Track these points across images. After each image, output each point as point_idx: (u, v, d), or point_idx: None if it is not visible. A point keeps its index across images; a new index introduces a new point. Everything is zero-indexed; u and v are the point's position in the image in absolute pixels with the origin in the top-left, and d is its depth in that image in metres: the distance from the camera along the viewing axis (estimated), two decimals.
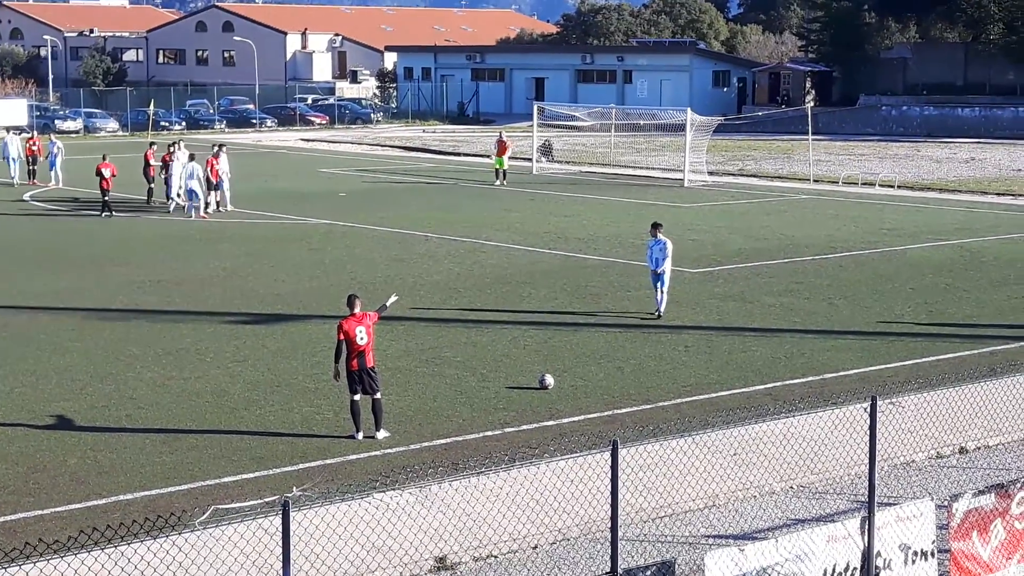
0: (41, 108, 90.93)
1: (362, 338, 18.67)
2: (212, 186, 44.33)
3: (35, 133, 62.09)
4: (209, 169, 44.23)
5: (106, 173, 44.08)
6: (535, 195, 51.33)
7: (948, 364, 23.38)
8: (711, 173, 57.15)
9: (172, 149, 46.18)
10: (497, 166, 55.35)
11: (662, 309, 27.61)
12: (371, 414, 18.83)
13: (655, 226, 28.29)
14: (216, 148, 45.84)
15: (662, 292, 27.66)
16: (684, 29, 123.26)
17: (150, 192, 47.13)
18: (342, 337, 18.77)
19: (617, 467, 11.64)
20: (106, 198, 44.12)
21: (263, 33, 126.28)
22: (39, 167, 54.36)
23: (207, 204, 44.11)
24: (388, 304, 19.87)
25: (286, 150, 76.41)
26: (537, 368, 22.68)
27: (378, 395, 18.86)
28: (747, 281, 32.06)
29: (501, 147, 55.27)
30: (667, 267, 27.51)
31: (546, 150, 65.44)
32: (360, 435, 18.69)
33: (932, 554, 12.97)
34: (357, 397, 18.78)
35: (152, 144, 48.26)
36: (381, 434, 18.76)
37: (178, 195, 44.92)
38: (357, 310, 18.87)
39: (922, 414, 18.96)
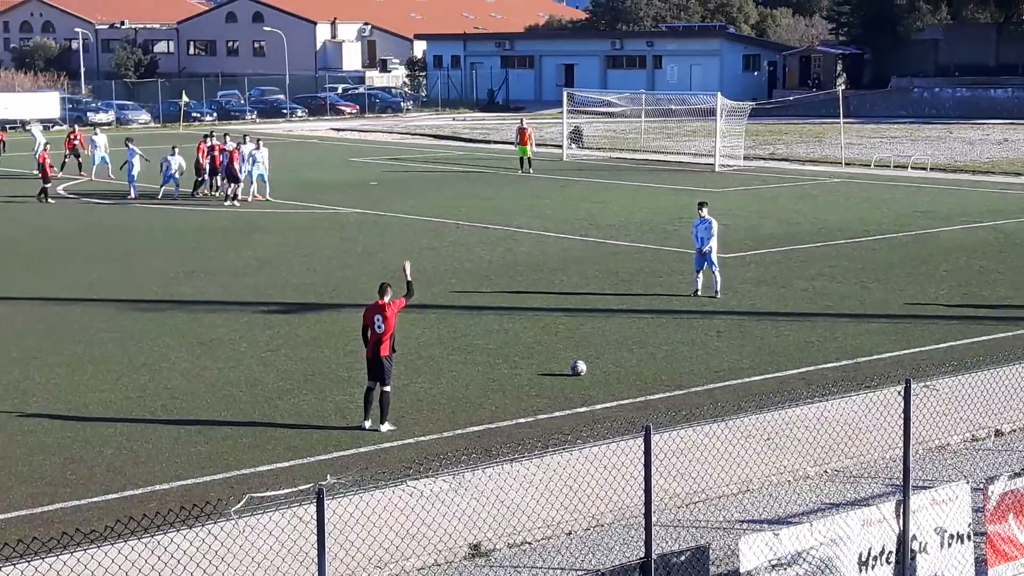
0: (73, 101, 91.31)
1: (379, 326, 18.65)
2: (232, 177, 44.69)
3: (76, 127, 62.30)
4: (229, 158, 44.83)
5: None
6: (565, 182, 51.27)
7: (983, 346, 23.25)
8: (744, 158, 56.95)
9: (238, 142, 46.34)
10: (520, 155, 55.32)
11: (718, 289, 27.70)
12: (379, 405, 18.74)
13: (701, 205, 28.38)
14: (243, 138, 46.48)
15: (713, 273, 27.74)
16: (714, 13, 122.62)
17: (197, 184, 46.97)
18: (365, 324, 18.83)
19: (650, 453, 11.64)
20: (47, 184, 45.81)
21: (293, 23, 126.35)
22: (84, 160, 54.53)
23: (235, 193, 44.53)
24: (408, 277, 19.43)
25: (317, 140, 76.55)
26: (570, 355, 22.67)
27: (388, 387, 18.73)
28: (779, 265, 31.96)
29: (522, 136, 55.22)
30: (713, 245, 27.60)
31: (576, 136, 65.31)
32: (367, 424, 18.65)
33: (968, 537, 12.92)
34: (373, 385, 18.76)
35: (206, 136, 48.17)
36: (385, 427, 18.58)
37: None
38: (386, 298, 18.82)
39: (957, 397, 18.87)
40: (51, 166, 46.78)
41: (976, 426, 18.60)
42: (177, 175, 46.14)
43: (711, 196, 45.42)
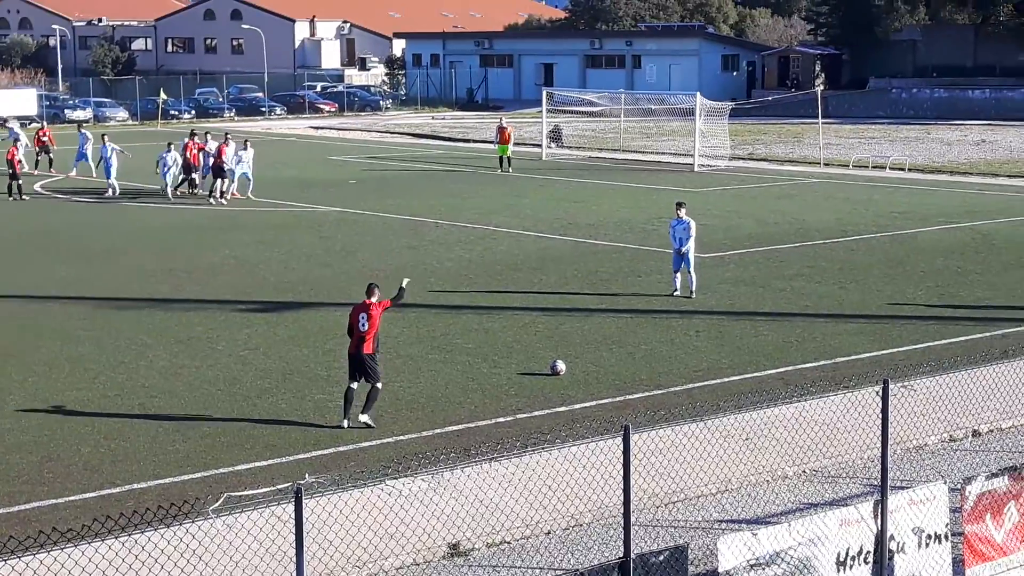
0: (51, 98, 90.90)
1: (363, 325, 18.73)
2: (219, 173, 44.55)
3: (45, 123, 62.10)
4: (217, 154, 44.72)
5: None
6: (544, 181, 51.27)
7: (960, 347, 23.34)
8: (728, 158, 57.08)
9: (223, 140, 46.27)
10: (500, 154, 55.34)
11: (693, 289, 27.76)
12: (367, 396, 18.77)
13: (679, 205, 28.42)
14: (224, 136, 46.39)
15: (689, 273, 27.78)
16: (693, 13, 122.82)
17: (191, 182, 46.82)
18: (351, 323, 18.95)
19: (629, 452, 11.64)
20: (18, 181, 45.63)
21: (271, 21, 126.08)
22: (55, 156, 54.34)
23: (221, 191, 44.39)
24: (404, 287, 19.96)
25: (295, 138, 76.40)
26: (549, 354, 22.67)
27: (379, 384, 18.82)
28: (758, 265, 32.02)
29: (502, 135, 55.28)
30: (691, 247, 27.65)
31: (556, 136, 65.33)
32: (346, 423, 18.63)
33: (946, 537, 12.96)
34: (354, 385, 18.77)
35: (193, 134, 48.05)
36: (363, 417, 18.63)
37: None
38: (373, 298, 18.90)
39: (934, 397, 18.93)
40: (19, 162, 46.39)
41: (954, 426, 18.66)
42: (175, 170, 46.02)
43: (690, 196, 45.48)
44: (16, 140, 50.18)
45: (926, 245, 35.21)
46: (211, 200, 44.07)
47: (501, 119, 60.59)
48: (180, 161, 46.28)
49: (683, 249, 27.65)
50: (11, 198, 44.94)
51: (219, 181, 44.56)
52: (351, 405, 18.72)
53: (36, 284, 30.06)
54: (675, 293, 27.96)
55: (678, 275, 28.03)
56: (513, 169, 54.41)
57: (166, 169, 45.96)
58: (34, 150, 54.81)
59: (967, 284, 29.75)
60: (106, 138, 48.12)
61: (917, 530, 12.75)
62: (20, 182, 45.75)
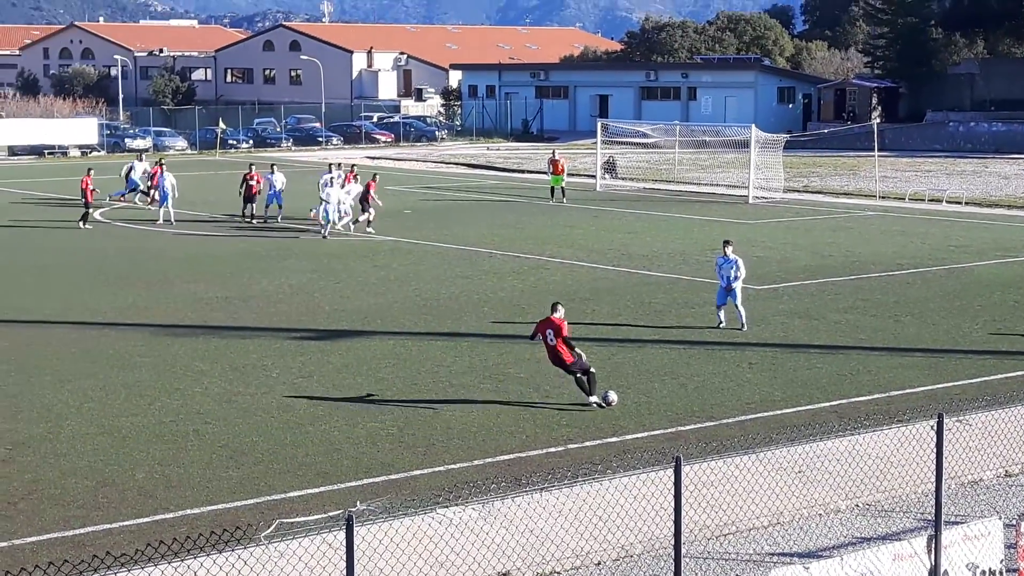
0: (111, 127, 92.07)
1: (551, 340, 21.74)
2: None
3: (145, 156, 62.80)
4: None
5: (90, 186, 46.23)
6: (599, 212, 51.31)
7: (1017, 381, 23.12)
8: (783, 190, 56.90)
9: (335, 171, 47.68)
10: (553, 184, 55.55)
11: (744, 322, 27.66)
12: (587, 383, 21.49)
13: (726, 243, 28.35)
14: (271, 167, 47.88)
15: (737, 307, 27.69)
16: (749, 46, 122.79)
17: (250, 212, 47.59)
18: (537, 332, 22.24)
19: (680, 483, 11.62)
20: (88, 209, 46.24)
21: (329, 52, 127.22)
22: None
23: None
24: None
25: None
26: (601, 385, 22.63)
27: (592, 369, 21.58)
28: (813, 298, 31.87)
29: (555, 166, 55.63)
30: (738, 285, 27.58)
31: (610, 167, 65.38)
32: (592, 399, 21.41)
33: (1001, 573, 12.84)
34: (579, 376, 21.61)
35: (251, 166, 48.99)
36: (592, 399, 21.38)
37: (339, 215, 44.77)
38: (556, 315, 21.97)
39: (990, 432, 18.75)
40: (93, 191, 46.88)
41: (1009, 461, 18.46)
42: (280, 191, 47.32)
43: (744, 228, 45.38)
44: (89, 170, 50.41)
45: (983, 279, 34.92)
46: (368, 229, 44.41)
47: (553, 152, 60.80)
48: (285, 180, 47.84)
49: (734, 285, 27.58)
50: (86, 226, 45.47)
51: (366, 213, 44.94)
52: (584, 387, 21.51)
53: (93, 311, 30.38)
54: (721, 326, 27.88)
55: (722, 310, 27.96)
56: (567, 200, 54.49)
57: (273, 192, 47.16)
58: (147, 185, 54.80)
59: None
60: (163, 167, 48.82)
61: (971, 566, 12.64)
62: (89, 211, 46.27)
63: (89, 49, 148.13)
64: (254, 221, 46.90)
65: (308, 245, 41.59)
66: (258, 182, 47.34)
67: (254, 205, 47.39)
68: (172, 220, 46.75)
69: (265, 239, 43.16)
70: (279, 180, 47.29)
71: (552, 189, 55.49)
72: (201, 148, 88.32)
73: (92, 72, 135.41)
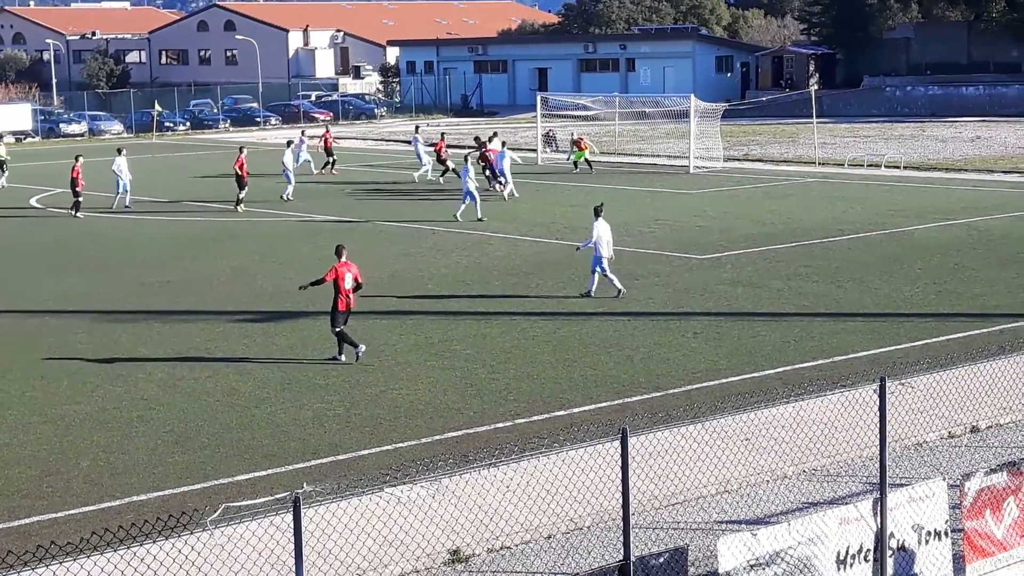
0: (45, 112, 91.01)
1: (350, 284, 22.87)
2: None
3: (328, 127, 63.71)
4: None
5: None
6: (540, 186, 51.27)
7: (958, 343, 23.35)
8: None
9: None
10: (575, 159, 56.39)
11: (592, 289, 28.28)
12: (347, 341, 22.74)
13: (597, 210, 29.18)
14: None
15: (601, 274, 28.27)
16: (686, 15, 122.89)
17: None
18: (330, 278, 23.04)
19: (627, 455, 11.64)
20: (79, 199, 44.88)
21: (265, 31, 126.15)
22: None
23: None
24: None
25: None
26: (547, 359, 22.67)
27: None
28: (755, 266, 32.03)
29: (578, 144, 56.58)
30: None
31: (550, 140, 65.35)
32: (361, 348, 22.81)
33: (946, 534, 12.96)
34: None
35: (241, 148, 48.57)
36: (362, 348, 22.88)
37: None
38: (343, 258, 23.05)
39: (933, 394, 18.93)
40: (82, 180, 45.66)
41: (952, 423, 18.66)
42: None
43: (685, 198, 45.53)
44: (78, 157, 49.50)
45: (922, 242, 35.22)
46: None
47: (573, 132, 60.73)
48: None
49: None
50: (78, 215, 44.61)
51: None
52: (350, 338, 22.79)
53: (33, 297, 30.04)
54: (590, 294, 28.39)
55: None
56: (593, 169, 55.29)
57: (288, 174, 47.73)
58: (322, 154, 56.65)
59: (964, 280, 29.75)
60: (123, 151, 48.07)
61: (917, 527, 12.74)
62: (80, 200, 45.14)
63: (20, 34, 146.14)
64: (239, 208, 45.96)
65: (248, 227, 41.29)
66: (243, 167, 46.28)
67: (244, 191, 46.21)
68: (115, 207, 46.18)
69: (205, 221, 42.81)
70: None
71: (576, 163, 56.25)
72: (137, 131, 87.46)
73: (24, 57, 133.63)
